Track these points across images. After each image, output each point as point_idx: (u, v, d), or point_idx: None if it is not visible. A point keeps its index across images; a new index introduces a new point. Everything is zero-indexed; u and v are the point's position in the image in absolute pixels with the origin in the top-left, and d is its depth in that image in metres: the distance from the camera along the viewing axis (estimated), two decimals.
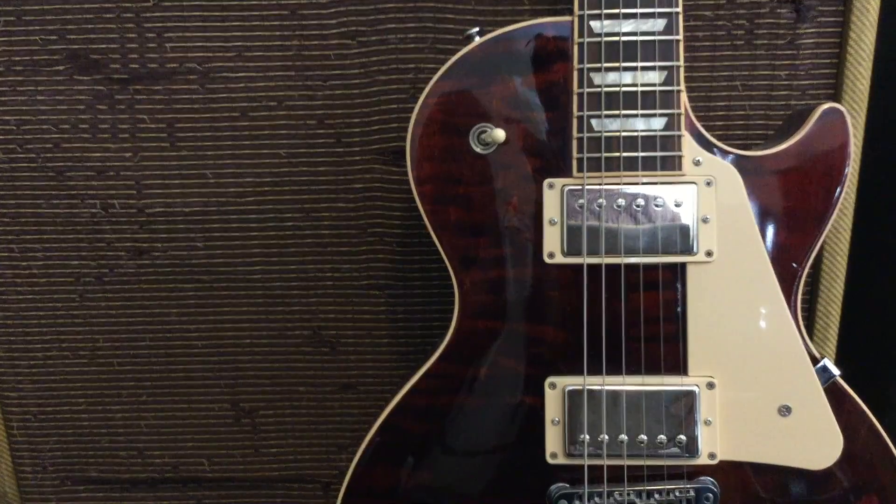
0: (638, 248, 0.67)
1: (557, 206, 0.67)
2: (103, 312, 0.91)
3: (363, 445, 0.72)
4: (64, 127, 0.86)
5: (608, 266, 0.67)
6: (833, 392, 0.68)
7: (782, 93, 0.82)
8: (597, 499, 0.70)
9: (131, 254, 0.89)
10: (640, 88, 0.65)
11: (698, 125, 0.67)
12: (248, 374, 0.93)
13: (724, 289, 0.68)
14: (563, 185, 0.67)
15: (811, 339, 0.84)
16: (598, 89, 0.65)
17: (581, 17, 0.65)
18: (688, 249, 0.67)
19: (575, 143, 0.67)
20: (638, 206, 0.67)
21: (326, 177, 0.87)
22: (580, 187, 0.67)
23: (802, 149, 0.67)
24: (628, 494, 0.70)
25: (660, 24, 0.65)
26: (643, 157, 0.66)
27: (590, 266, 0.67)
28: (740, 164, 0.67)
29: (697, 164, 0.67)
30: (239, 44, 0.83)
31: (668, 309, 0.68)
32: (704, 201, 0.67)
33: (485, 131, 0.67)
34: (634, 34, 0.65)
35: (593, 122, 0.66)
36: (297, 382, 0.93)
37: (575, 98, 0.66)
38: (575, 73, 0.66)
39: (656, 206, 0.67)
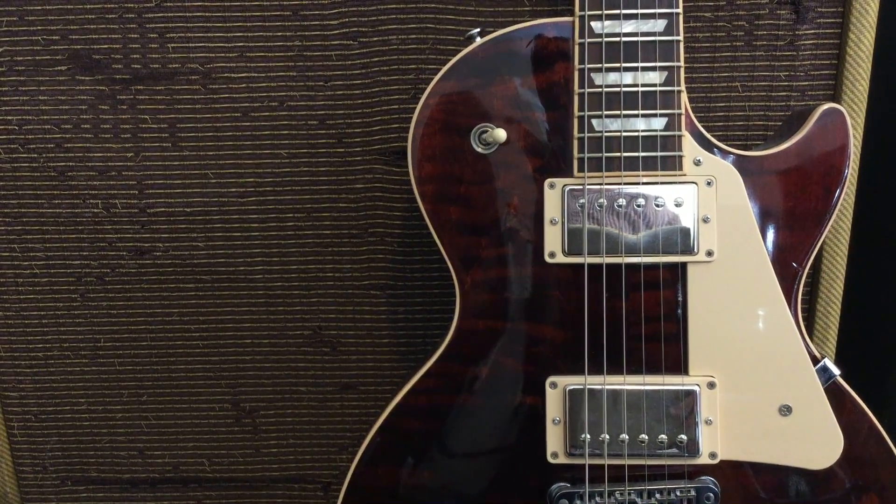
0: (638, 247, 0.67)
1: (558, 206, 0.67)
2: (104, 312, 0.91)
3: (364, 445, 0.72)
4: (66, 127, 0.86)
5: (609, 266, 0.68)
6: (833, 392, 0.68)
7: (782, 93, 0.82)
8: (598, 498, 0.70)
9: (133, 254, 0.90)
10: (640, 89, 0.65)
11: (699, 125, 0.67)
12: (248, 374, 0.93)
13: (724, 289, 0.68)
14: (564, 185, 0.67)
15: (811, 338, 0.84)
16: (599, 89, 0.66)
17: (582, 18, 0.65)
18: (688, 249, 0.67)
19: (576, 143, 0.67)
20: (639, 205, 0.67)
21: (328, 177, 0.87)
22: (581, 187, 0.67)
23: (802, 149, 0.67)
24: (629, 494, 0.70)
25: (660, 24, 0.65)
26: (644, 157, 0.66)
27: (591, 266, 0.68)
28: (741, 164, 0.67)
29: (698, 164, 0.67)
30: (241, 44, 0.84)
31: (668, 308, 0.68)
32: (705, 201, 0.67)
33: (486, 131, 0.67)
34: (635, 35, 0.65)
35: (594, 122, 0.66)
36: (298, 382, 0.93)
37: (576, 98, 0.66)
38: (576, 74, 0.66)
39: (657, 205, 0.67)
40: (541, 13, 0.81)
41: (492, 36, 0.67)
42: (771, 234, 0.68)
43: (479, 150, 0.68)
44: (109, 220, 0.89)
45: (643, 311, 0.68)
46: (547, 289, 0.69)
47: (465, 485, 0.72)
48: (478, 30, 0.67)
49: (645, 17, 0.65)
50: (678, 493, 0.69)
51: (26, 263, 0.90)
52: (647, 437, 0.69)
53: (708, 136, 0.68)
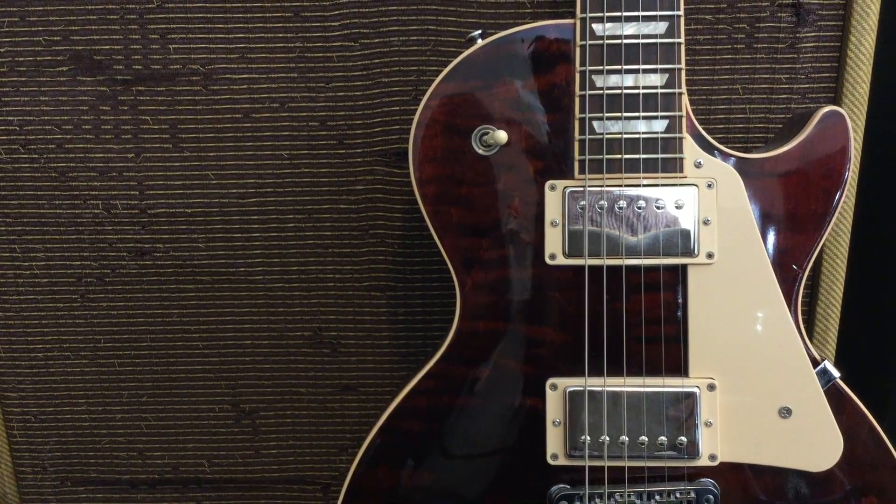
0: (639, 249, 0.67)
1: (559, 208, 0.67)
2: (105, 313, 0.91)
3: (363, 447, 0.72)
4: (67, 128, 0.86)
5: (609, 267, 0.68)
6: (833, 394, 0.68)
7: (782, 96, 0.83)
8: (597, 500, 0.70)
9: (133, 254, 0.90)
10: (641, 91, 0.66)
11: (699, 127, 0.67)
12: (248, 374, 0.93)
13: (724, 291, 0.68)
14: (565, 187, 0.67)
15: (811, 340, 0.84)
16: (600, 91, 0.66)
17: (583, 20, 0.65)
18: (689, 251, 0.67)
19: (577, 144, 0.67)
20: (639, 207, 0.67)
21: (328, 178, 0.87)
22: (582, 189, 0.67)
23: (803, 151, 0.67)
24: (629, 496, 0.70)
25: (661, 26, 0.65)
26: (644, 159, 0.66)
27: (591, 267, 0.68)
28: (741, 166, 0.67)
29: (698, 166, 0.67)
30: (242, 45, 0.84)
31: (668, 310, 0.68)
32: (705, 203, 0.67)
33: (487, 133, 0.67)
34: (636, 37, 0.65)
35: (595, 124, 0.66)
36: (298, 383, 0.93)
37: (577, 100, 0.66)
38: (577, 76, 0.66)
39: (657, 207, 0.67)
40: (542, 15, 0.81)
41: (493, 38, 0.67)
42: (771, 237, 0.68)
43: (480, 151, 0.68)
44: (110, 221, 0.89)
45: (643, 313, 0.68)
46: (547, 290, 0.69)
47: (464, 486, 0.72)
48: (479, 31, 0.67)
49: (646, 19, 0.65)
50: (678, 495, 0.69)
51: (26, 264, 0.90)
52: (646, 439, 0.69)
53: (709, 138, 0.68)
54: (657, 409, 0.68)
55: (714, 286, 0.68)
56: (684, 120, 0.66)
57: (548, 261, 0.68)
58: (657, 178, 0.67)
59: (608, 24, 0.65)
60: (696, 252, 0.67)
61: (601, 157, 0.66)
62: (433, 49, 0.83)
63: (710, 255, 0.67)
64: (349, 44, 0.83)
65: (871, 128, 0.81)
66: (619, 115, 0.66)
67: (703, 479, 0.70)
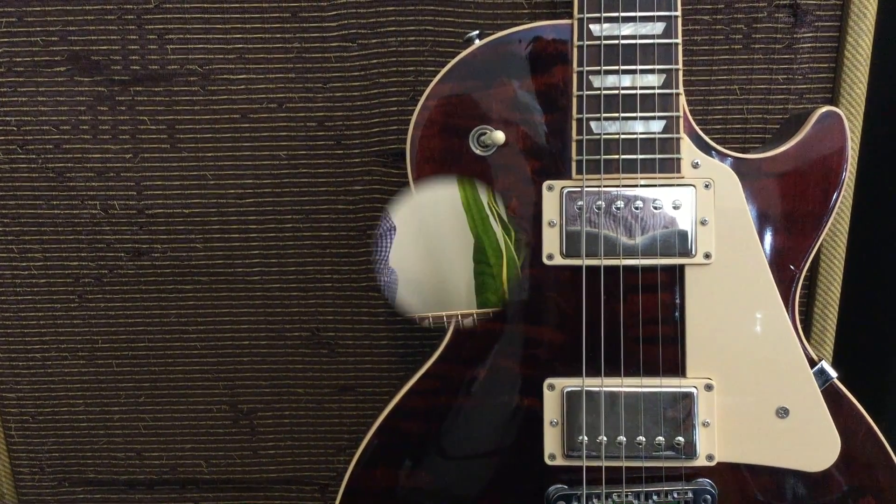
0: (636, 250, 0.67)
1: (556, 208, 0.67)
2: (102, 313, 0.91)
3: (361, 447, 0.72)
4: (64, 128, 0.86)
5: (607, 268, 0.68)
6: (830, 394, 0.68)
7: (780, 96, 0.83)
8: (595, 500, 0.70)
9: (131, 255, 0.89)
10: (639, 91, 0.66)
11: (697, 128, 0.67)
12: (246, 375, 0.93)
13: (722, 291, 0.68)
14: (563, 187, 0.67)
15: (808, 341, 0.84)
16: (598, 92, 0.66)
17: (580, 21, 0.65)
18: (686, 252, 0.67)
19: (574, 145, 0.67)
20: (636, 208, 0.67)
21: (326, 178, 0.87)
22: (579, 189, 0.67)
23: (800, 152, 0.67)
24: (626, 496, 0.70)
25: (659, 27, 0.65)
26: (642, 160, 0.66)
27: (588, 268, 0.68)
28: (738, 166, 0.67)
29: (696, 166, 0.67)
30: (240, 46, 0.84)
31: (666, 311, 0.68)
32: (703, 204, 0.67)
33: (484, 133, 0.67)
34: (633, 37, 0.65)
35: (592, 124, 0.66)
36: (296, 384, 0.93)
37: (574, 100, 0.66)
38: (574, 76, 0.66)
39: (655, 208, 0.67)
40: (539, 15, 0.81)
41: (491, 38, 0.67)
42: (769, 237, 0.68)
43: (478, 152, 0.68)
44: (108, 221, 0.89)
45: (641, 314, 0.68)
46: (545, 291, 0.69)
47: (462, 487, 0.72)
48: (477, 32, 0.67)
49: (643, 19, 0.65)
50: (675, 495, 0.69)
51: (24, 264, 0.90)
52: (644, 439, 0.69)
53: (706, 138, 0.68)
54: (655, 410, 0.68)
55: (711, 286, 0.68)
56: (682, 120, 0.66)
57: (545, 261, 0.68)
58: (654, 178, 0.67)
59: (605, 25, 0.65)
60: (693, 252, 0.67)
61: (598, 157, 0.66)
62: (431, 49, 0.83)
63: (707, 256, 0.67)
64: (347, 44, 0.83)
65: (868, 128, 0.82)
66: (616, 115, 0.66)
67: (700, 480, 0.70)
